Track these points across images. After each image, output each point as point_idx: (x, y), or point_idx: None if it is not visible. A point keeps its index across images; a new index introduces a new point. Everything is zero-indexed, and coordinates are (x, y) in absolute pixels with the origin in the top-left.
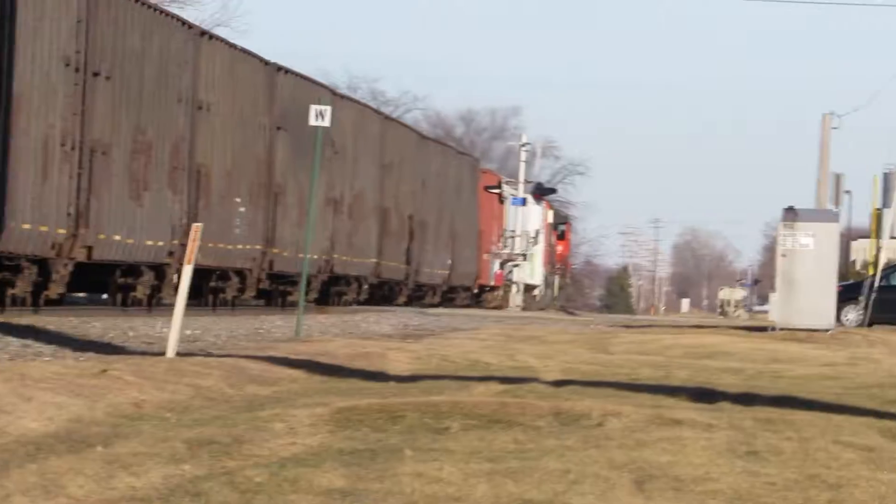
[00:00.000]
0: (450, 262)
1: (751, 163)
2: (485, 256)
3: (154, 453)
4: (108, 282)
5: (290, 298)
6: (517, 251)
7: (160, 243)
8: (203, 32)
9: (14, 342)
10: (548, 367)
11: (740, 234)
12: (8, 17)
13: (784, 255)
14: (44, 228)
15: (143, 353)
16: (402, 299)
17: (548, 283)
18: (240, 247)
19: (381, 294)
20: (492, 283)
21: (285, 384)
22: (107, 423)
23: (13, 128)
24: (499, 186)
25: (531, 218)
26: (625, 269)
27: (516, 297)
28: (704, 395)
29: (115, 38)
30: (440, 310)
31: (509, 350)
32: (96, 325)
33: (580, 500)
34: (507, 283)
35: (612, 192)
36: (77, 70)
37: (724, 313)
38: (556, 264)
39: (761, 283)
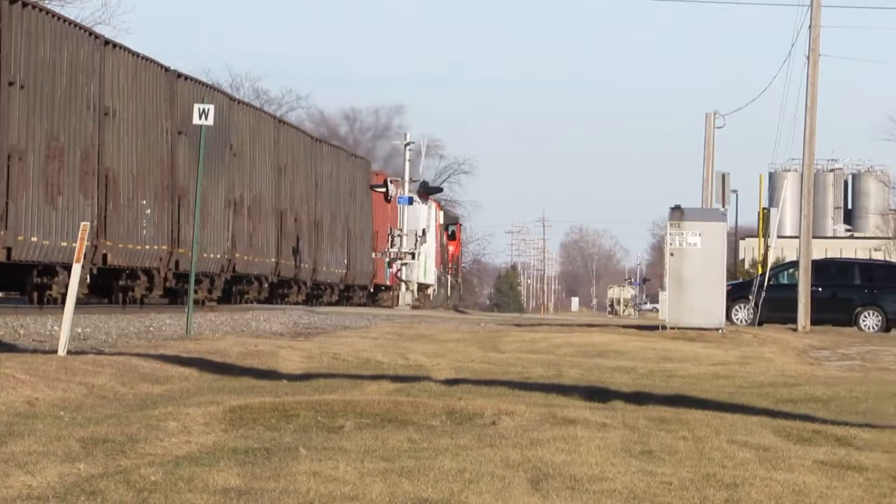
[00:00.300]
0: (346, 261)
1: (638, 162)
2: (374, 255)
3: (49, 452)
4: (25, 281)
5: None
6: (405, 250)
7: (74, 244)
8: (107, 41)
9: None
10: (439, 366)
11: (628, 233)
12: None
13: (672, 255)
14: None
15: (35, 351)
16: (301, 297)
17: (441, 283)
18: (147, 247)
19: (281, 293)
20: (387, 283)
21: (177, 382)
22: (1, 421)
23: None
24: (385, 185)
25: (420, 217)
26: (513, 267)
27: (406, 296)
28: (597, 394)
29: (29, 48)
30: (330, 308)
31: (401, 349)
32: None
33: (477, 499)
34: (398, 282)
35: (498, 192)
36: None
37: (613, 312)
38: (449, 264)
39: (650, 282)
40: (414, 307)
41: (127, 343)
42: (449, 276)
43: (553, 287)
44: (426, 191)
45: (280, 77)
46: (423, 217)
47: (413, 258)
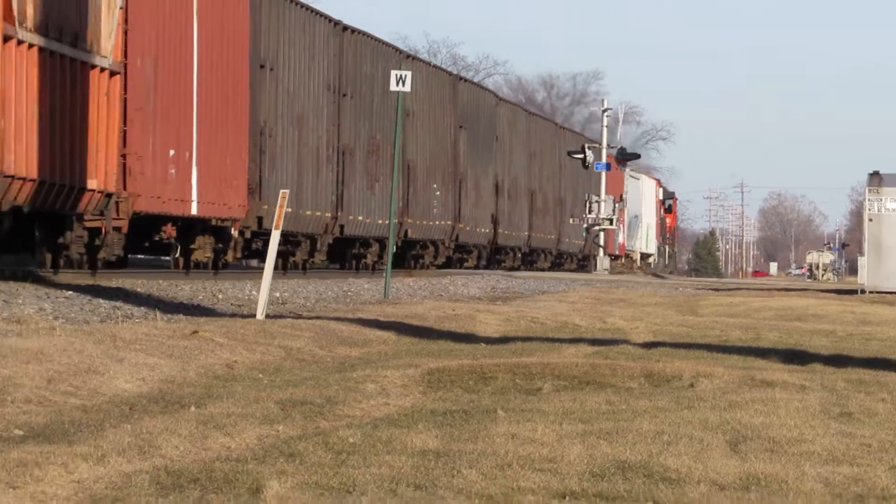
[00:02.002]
0: (557, 230)
1: (838, 128)
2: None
3: (247, 414)
4: (345, 253)
5: (466, 264)
6: (603, 216)
7: (386, 222)
8: (408, 55)
9: (104, 304)
10: (637, 329)
11: (827, 199)
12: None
13: (871, 220)
14: (318, 213)
15: (233, 315)
16: (517, 263)
17: (660, 253)
18: (436, 223)
19: (498, 259)
20: (616, 252)
21: (375, 346)
22: (199, 383)
23: (299, 141)
24: (582, 151)
25: (645, 195)
26: (712, 233)
27: (603, 261)
28: (795, 357)
29: (355, 66)
30: (526, 273)
31: (598, 312)
32: (185, 287)
33: (675, 461)
34: (594, 247)
35: (696, 158)
36: (334, 92)
37: (812, 277)
38: (666, 235)
39: (848, 248)
40: (609, 272)
41: (325, 307)
42: (666, 247)
43: (752, 252)
44: (623, 157)
45: (477, 43)
46: (648, 195)
47: (610, 224)
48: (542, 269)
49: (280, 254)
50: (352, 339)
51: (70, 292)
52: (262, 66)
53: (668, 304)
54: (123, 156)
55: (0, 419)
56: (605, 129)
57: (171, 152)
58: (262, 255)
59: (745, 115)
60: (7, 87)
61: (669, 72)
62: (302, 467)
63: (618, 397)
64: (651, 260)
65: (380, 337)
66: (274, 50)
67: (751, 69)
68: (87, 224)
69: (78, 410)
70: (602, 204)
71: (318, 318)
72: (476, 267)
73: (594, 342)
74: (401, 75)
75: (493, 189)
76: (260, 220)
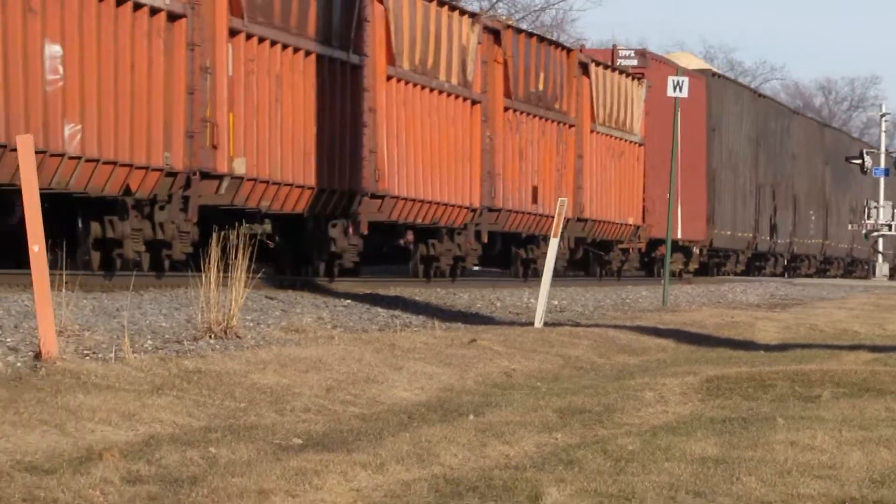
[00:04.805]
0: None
1: None
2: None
3: (526, 422)
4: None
5: (763, 272)
6: (882, 221)
7: (780, 241)
8: (796, 112)
9: (382, 312)
10: None
11: None
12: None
13: None
14: (743, 234)
15: (511, 324)
16: (777, 270)
17: None
18: (811, 241)
19: (757, 265)
20: None
21: (653, 353)
22: (477, 391)
23: (717, 181)
24: (861, 157)
25: None
26: None
27: (882, 267)
28: None
29: (765, 123)
30: (804, 280)
31: (877, 319)
32: (463, 295)
33: None
34: (873, 253)
35: None
36: (753, 143)
37: None
38: None
39: None
40: (889, 278)
41: (603, 315)
42: None
43: None
44: None
45: (754, 48)
46: None
47: (890, 230)
48: (834, 277)
49: (649, 263)
50: (630, 346)
51: (348, 301)
52: (712, 130)
53: None
54: (643, 200)
55: (279, 428)
56: (882, 135)
57: (667, 195)
58: (705, 270)
59: None
60: (590, 161)
61: None
62: (580, 475)
63: None
64: None
65: (658, 344)
66: (718, 116)
67: None
68: (622, 247)
69: (356, 419)
70: (881, 210)
71: (596, 325)
72: (772, 274)
73: (873, 349)
74: (678, 81)
75: (848, 213)
76: (711, 241)
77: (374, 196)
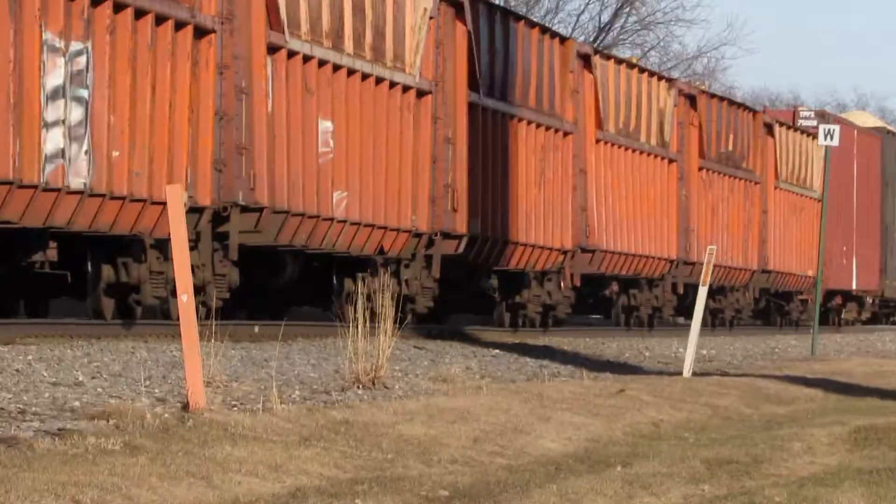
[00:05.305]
0: None
1: None
2: None
3: (673, 473)
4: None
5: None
6: None
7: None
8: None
9: (530, 362)
10: None
11: None
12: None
13: None
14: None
15: (660, 373)
16: None
17: None
18: None
19: None
20: None
21: (801, 403)
22: (625, 442)
23: (890, 234)
24: None
25: None
26: None
27: None
28: None
29: (892, 163)
30: None
31: None
32: (612, 345)
33: None
34: None
35: None
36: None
37: None
38: None
39: None
40: None
41: (752, 364)
42: None
43: None
44: None
45: None
46: None
47: None
48: None
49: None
50: (778, 396)
51: (497, 351)
52: (885, 184)
53: None
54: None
55: (426, 480)
56: None
57: (843, 248)
58: (877, 319)
59: None
60: (774, 215)
61: None
62: None
63: None
64: None
65: (806, 394)
66: (891, 172)
67: None
68: (801, 298)
69: (503, 470)
70: None
71: (744, 375)
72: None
73: None
74: (829, 129)
75: None
76: (883, 291)
77: (584, 250)
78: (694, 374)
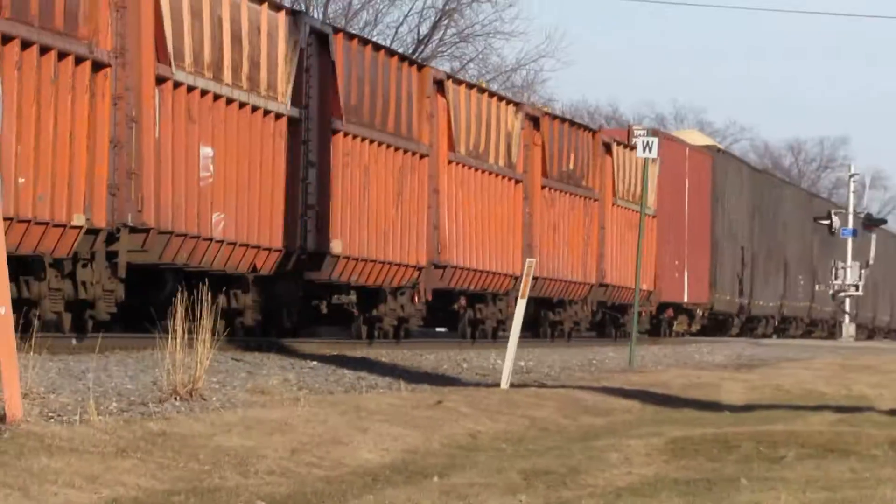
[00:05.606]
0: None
1: None
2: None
3: (490, 484)
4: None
5: (755, 331)
6: (849, 282)
7: (772, 304)
8: (785, 181)
9: (348, 374)
10: (882, 397)
11: None
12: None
13: None
14: (737, 299)
15: (477, 385)
16: (798, 332)
17: None
18: (800, 304)
19: (782, 328)
20: None
21: (619, 414)
22: (442, 453)
23: (719, 249)
24: (829, 217)
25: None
26: None
27: (849, 328)
28: None
29: (761, 195)
30: (772, 340)
31: (843, 379)
32: (429, 357)
33: None
34: (839, 313)
35: None
36: (748, 214)
37: None
38: None
39: None
40: (855, 338)
41: (570, 376)
42: None
43: None
44: (870, 223)
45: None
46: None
47: (857, 290)
48: (793, 337)
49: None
50: (596, 407)
51: (315, 362)
52: (715, 200)
53: None
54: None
55: (243, 490)
56: (851, 195)
57: (676, 262)
58: (706, 331)
59: None
60: (611, 231)
61: None
62: None
63: (861, 465)
64: None
65: (624, 405)
66: (721, 189)
67: None
68: (642, 311)
69: (321, 481)
70: (848, 270)
71: (562, 386)
72: (763, 335)
73: (839, 409)
74: (647, 142)
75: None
76: (713, 304)
77: (436, 266)
78: (512, 385)
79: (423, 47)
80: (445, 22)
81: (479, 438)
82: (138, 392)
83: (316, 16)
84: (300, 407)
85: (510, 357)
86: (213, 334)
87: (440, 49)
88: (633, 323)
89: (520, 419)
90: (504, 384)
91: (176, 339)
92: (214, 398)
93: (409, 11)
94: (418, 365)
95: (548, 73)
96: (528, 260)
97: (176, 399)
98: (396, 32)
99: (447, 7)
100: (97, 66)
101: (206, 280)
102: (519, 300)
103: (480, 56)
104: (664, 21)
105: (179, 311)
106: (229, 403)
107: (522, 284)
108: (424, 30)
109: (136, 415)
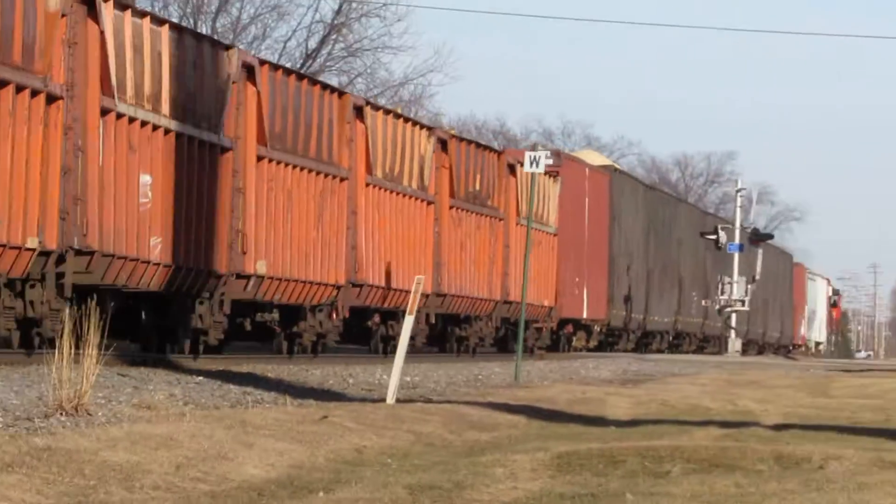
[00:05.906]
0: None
1: None
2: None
3: (375, 499)
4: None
5: (651, 346)
6: (735, 297)
7: (666, 319)
8: (681, 200)
9: (234, 389)
10: (767, 412)
11: None
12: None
13: None
14: (634, 315)
15: (363, 400)
16: (630, 346)
17: (828, 342)
18: (694, 319)
19: (609, 340)
20: (798, 342)
21: (505, 430)
22: (328, 468)
23: (616, 266)
24: (715, 232)
25: (819, 292)
26: (844, 314)
27: (735, 343)
28: None
29: (655, 212)
30: (659, 355)
31: (729, 395)
32: (315, 372)
33: None
34: (725, 328)
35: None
36: (644, 231)
37: None
38: (833, 326)
39: None
40: (741, 354)
41: (455, 391)
42: (833, 336)
43: (883, 334)
44: (757, 237)
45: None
46: (819, 289)
47: (743, 305)
48: (687, 352)
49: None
50: (481, 423)
51: (201, 378)
52: (613, 219)
53: (800, 385)
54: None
55: None
56: (738, 210)
57: (576, 279)
58: (603, 346)
59: (880, 195)
60: (516, 250)
61: (803, 152)
62: None
63: (747, 480)
64: (821, 348)
65: (510, 421)
66: (618, 208)
67: (882, 148)
68: (536, 326)
69: (206, 497)
70: (735, 285)
71: (448, 402)
72: (657, 350)
73: (724, 424)
74: (534, 156)
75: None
76: (610, 321)
77: (354, 285)
78: (398, 400)
79: (311, 62)
80: (334, 37)
81: (365, 453)
82: (24, 407)
83: (204, 31)
84: (186, 422)
85: (396, 372)
86: (99, 349)
87: (328, 63)
88: (518, 339)
89: (405, 434)
90: (390, 399)
91: (62, 354)
92: (100, 413)
93: (297, 26)
94: (304, 380)
95: (436, 87)
96: (416, 277)
97: (62, 414)
98: (285, 47)
99: (336, 22)
100: (51, 99)
101: (95, 295)
102: (406, 316)
103: (369, 70)
104: (554, 36)
105: (67, 326)
106: (115, 418)
107: (411, 301)
108: (313, 44)
109: (21, 430)
